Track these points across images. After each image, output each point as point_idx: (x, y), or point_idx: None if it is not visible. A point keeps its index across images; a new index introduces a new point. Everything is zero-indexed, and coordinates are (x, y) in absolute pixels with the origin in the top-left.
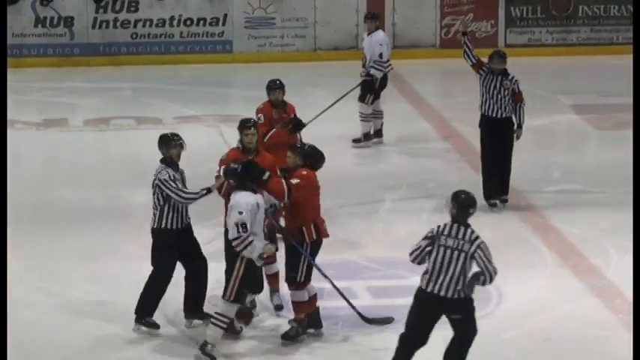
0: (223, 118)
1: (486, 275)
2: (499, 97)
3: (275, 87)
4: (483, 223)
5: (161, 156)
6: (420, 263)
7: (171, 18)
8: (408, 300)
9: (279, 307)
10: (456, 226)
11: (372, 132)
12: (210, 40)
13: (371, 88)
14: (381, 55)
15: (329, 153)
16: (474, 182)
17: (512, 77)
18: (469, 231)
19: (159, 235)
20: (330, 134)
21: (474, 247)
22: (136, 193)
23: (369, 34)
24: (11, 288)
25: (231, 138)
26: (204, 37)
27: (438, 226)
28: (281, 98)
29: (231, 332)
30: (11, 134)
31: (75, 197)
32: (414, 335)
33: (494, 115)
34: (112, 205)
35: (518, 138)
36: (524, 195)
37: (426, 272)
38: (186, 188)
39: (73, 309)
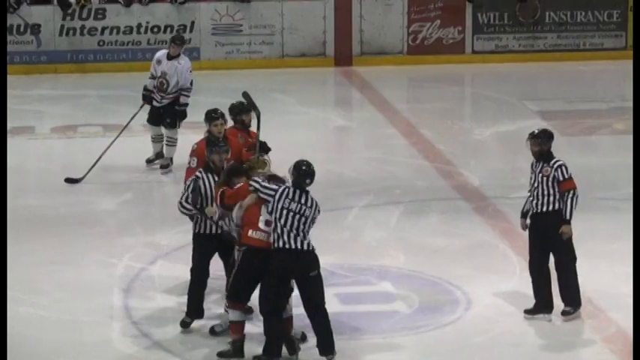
0: (191, 125)
1: None
2: (540, 187)
3: (216, 117)
4: (451, 229)
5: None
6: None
7: (139, 25)
8: (378, 306)
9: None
10: (298, 191)
11: (153, 156)
12: None
13: (184, 116)
14: (192, 83)
15: (294, 159)
16: (440, 188)
17: (555, 162)
18: (310, 197)
19: (193, 238)
20: (294, 140)
21: (315, 211)
22: (103, 201)
23: (171, 58)
24: None
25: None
26: None
27: (283, 189)
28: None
29: None
30: None
31: (42, 204)
32: (277, 302)
33: (535, 209)
34: (80, 212)
35: (562, 235)
36: (492, 201)
37: (274, 231)
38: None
39: (41, 316)
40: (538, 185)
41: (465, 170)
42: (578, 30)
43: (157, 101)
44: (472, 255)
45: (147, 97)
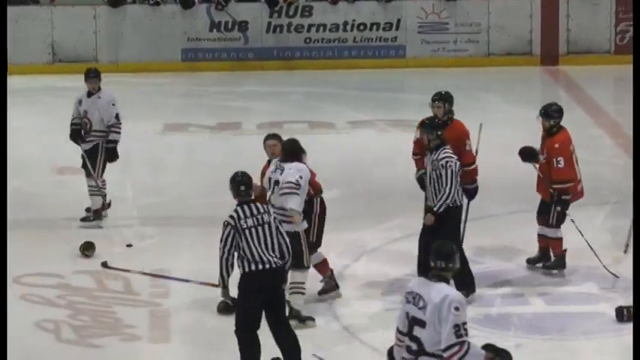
0: (396, 122)
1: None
2: None
3: (435, 98)
4: None
5: None
6: (232, 265)
7: (345, 23)
8: (582, 307)
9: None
10: (246, 206)
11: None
12: (383, 45)
13: (114, 156)
14: (118, 117)
15: (498, 160)
16: None
17: None
18: (258, 205)
19: None
20: (498, 139)
21: (272, 216)
22: None
23: (91, 95)
24: (176, 292)
25: None
26: (377, 42)
27: (232, 216)
28: (442, 114)
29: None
30: (185, 137)
31: None
32: (254, 323)
33: None
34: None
35: None
36: None
37: (242, 259)
38: None
39: None
40: None
41: None
42: None
43: (85, 143)
44: None
45: (76, 134)
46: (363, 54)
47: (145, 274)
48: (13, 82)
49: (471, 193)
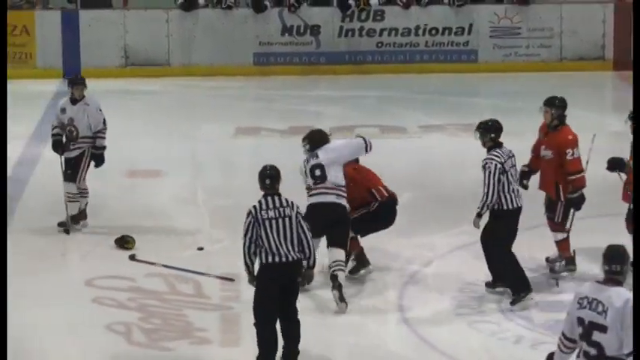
0: (467, 127)
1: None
2: None
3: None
4: None
5: None
6: (255, 253)
7: (417, 27)
8: None
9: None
10: (269, 198)
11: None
12: (455, 50)
13: (101, 161)
14: (104, 122)
15: None
16: None
17: None
18: (282, 198)
19: None
20: None
21: (295, 211)
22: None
23: (75, 102)
24: (246, 296)
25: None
26: (449, 47)
27: (254, 206)
28: (550, 119)
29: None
30: (256, 141)
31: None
32: (270, 315)
33: None
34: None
35: None
36: None
37: (260, 249)
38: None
39: (311, 320)
40: None
41: None
42: None
43: (69, 151)
44: None
45: (59, 144)
46: (435, 58)
47: (167, 266)
48: None
49: (574, 203)
